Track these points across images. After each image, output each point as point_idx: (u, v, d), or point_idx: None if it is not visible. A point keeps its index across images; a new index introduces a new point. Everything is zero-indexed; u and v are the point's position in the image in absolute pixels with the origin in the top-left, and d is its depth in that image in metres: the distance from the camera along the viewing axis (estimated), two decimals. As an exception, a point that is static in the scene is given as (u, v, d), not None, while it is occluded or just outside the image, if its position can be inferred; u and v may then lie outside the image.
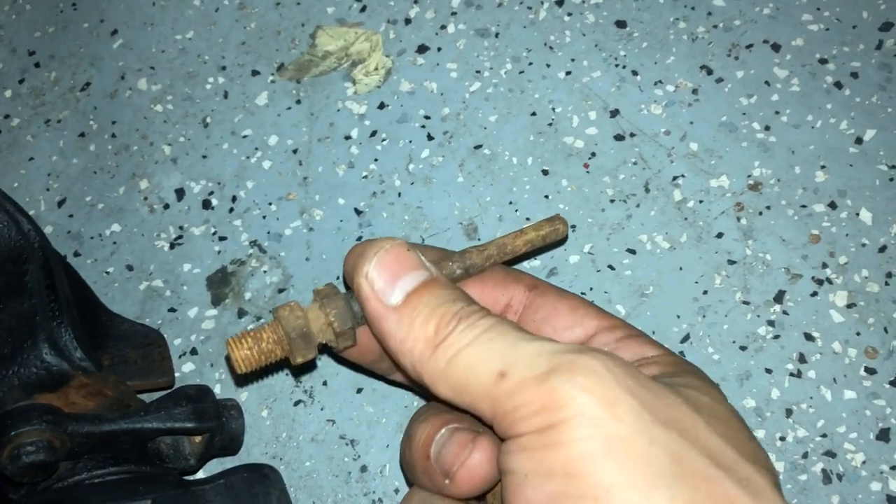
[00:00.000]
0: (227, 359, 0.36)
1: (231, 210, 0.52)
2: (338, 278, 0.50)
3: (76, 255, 0.52)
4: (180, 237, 0.52)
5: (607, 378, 0.26)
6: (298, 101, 0.55)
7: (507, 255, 0.37)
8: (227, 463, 0.45)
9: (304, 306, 0.34)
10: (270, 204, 0.52)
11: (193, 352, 0.48)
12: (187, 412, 0.38)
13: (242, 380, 0.47)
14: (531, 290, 0.37)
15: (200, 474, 0.44)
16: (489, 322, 0.29)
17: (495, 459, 0.30)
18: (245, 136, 0.54)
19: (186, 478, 0.41)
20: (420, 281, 0.31)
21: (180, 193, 0.53)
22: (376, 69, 0.55)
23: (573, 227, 0.49)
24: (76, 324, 0.40)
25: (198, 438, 0.39)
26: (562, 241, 0.40)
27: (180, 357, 0.48)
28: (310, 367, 0.47)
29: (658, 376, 0.31)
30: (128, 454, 0.37)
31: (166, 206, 0.53)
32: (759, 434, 0.44)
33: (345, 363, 0.46)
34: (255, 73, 0.56)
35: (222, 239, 0.51)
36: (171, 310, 0.50)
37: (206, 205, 0.52)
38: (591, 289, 0.47)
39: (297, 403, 0.46)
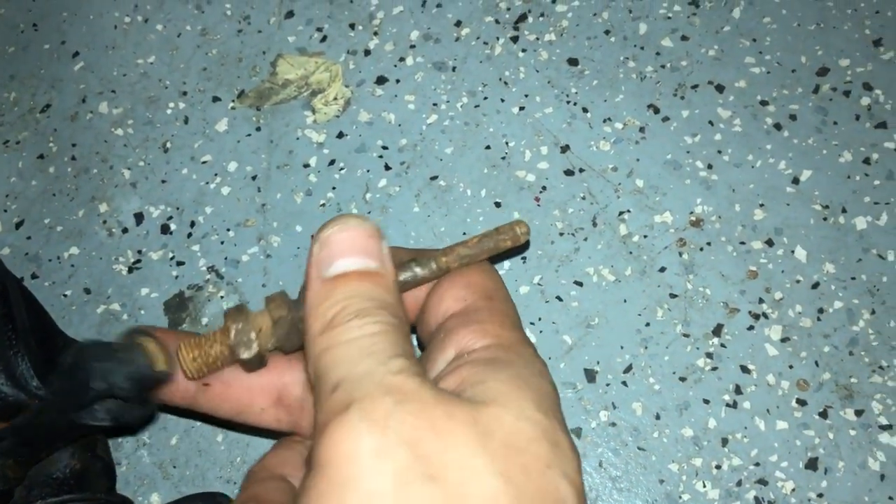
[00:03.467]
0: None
1: (189, 235, 0.53)
2: (294, 305, 0.51)
3: (34, 277, 0.53)
4: (139, 261, 0.53)
5: (391, 424, 0.26)
6: (258, 129, 0.56)
7: (471, 260, 0.36)
8: (184, 490, 0.46)
9: (253, 312, 0.34)
10: (228, 230, 0.53)
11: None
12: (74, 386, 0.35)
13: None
14: None
15: (159, 502, 0.45)
16: (377, 328, 0.29)
17: None
18: (204, 162, 0.55)
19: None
20: (356, 268, 0.31)
21: (139, 218, 0.54)
22: (336, 99, 0.56)
23: (524, 258, 0.51)
24: (33, 352, 0.40)
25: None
26: (523, 247, 0.39)
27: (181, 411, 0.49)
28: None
29: (465, 383, 0.30)
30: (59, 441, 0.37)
31: (125, 230, 0.54)
32: (696, 462, 0.46)
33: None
34: (215, 99, 0.57)
35: (180, 264, 0.52)
36: (128, 334, 0.50)
37: (165, 229, 0.53)
38: (539, 319, 0.49)
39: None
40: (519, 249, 0.39)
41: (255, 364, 0.34)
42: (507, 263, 0.51)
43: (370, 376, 0.28)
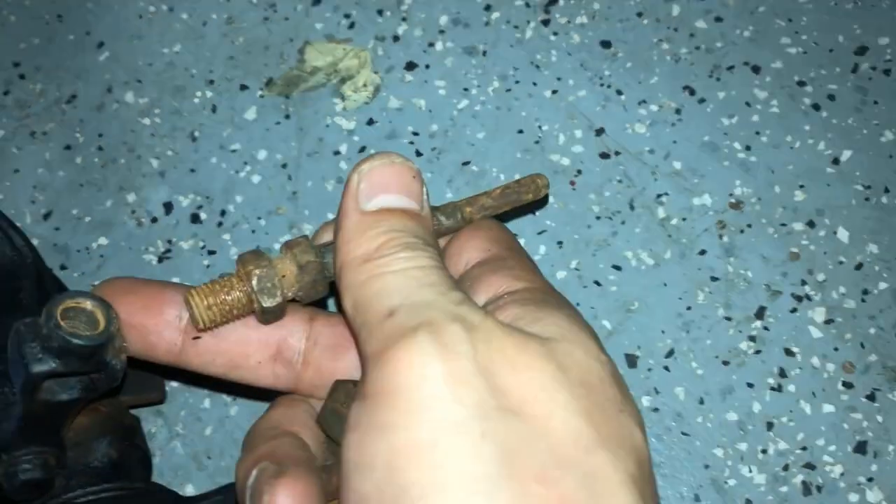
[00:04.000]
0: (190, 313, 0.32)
1: (220, 224, 0.52)
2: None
3: (62, 268, 0.52)
4: (168, 251, 0.52)
5: (464, 350, 0.25)
6: (287, 116, 0.55)
7: (493, 211, 0.36)
8: (220, 480, 0.45)
9: (273, 256, 0.33)
10: (259, 218, 0.52)
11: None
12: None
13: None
14: None
15: (193, 492, 0.44)
16: (429, 263, 0.28)
17: (306, 494, 0.28)
18: (234, 151, 0.54)
19: (183, 495, 0.41)
20: (401, 205, 0.30)
21: (168, 207, 0.53)
22: (365, 85, 0.55)
23: (560, 243, 0.50)
24: (70, 340, 0.40)
25: None
26: (543, 201, 0.38)
27: (167, 372, 0.48)
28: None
29: (517, 318, 0.28)
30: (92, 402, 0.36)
31: (154, 220, 0.53)
32: (741, 447, 0.45)
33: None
34: (243, 87, 0.56)
35: (211, 253, 0.52)
36: (160, 324, 0.50)
37: (195, 219, 0.53)
38: (577, 304, 0.48)
39: (287, 418, 0.47)
40: (539, 203, 0.38)
41: (276, 314, 0.33)
42: (542, 248, 0.50)
43: (433, 304, 0.26)
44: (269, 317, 0.32)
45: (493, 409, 0.24)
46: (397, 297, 0.27)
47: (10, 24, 0.61)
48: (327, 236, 0.34)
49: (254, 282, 0.32)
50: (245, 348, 0.34)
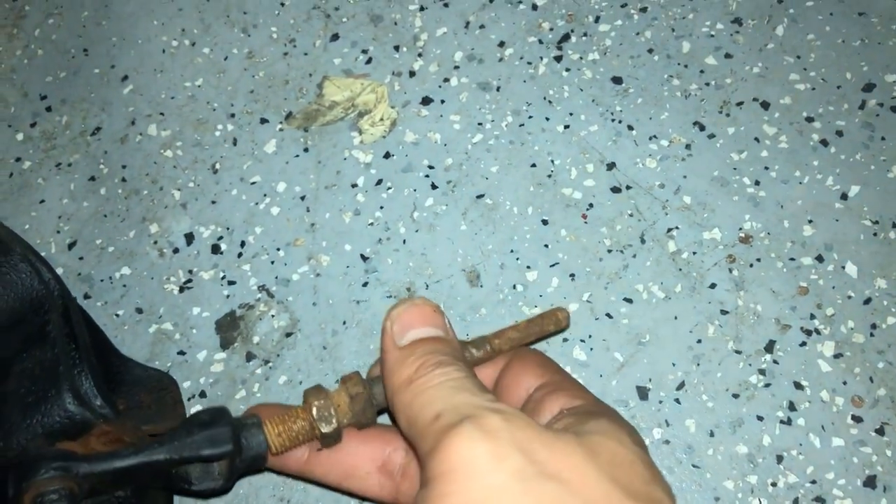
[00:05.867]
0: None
1: (240, 255, 0.54)
2: (344, 323, 0.51)
3: (86, 297, 0.54)
4: (189, 281, 0.53)
5: (501, 433, 0.29)
6: (306, 150, 0.56)
7: (519, 342, 0.41)
8: (254, 499, 0.46)
9: (331, 391, 0.39)
10: (279, 249, 0.53)
11: (202, 394, 0.50)
12: (200, 441, 0.38)
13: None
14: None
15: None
16: (460, 374, 0.34)
17: None
18: (254, 183, 0.56)
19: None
20: (428, 335, 0.36)
21: (190, 238, 0.55)
22: (382, 120, 0.57)
23: (572, 275, 0.51)
24: (96, 371, 0.41)
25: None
26: (563, 330, 0.44)
27: (189, 399, 0.50)
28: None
29: (569, 426, 0.34)
30: (154, 483, 0.38)
31: (176, 251, 0.54)
32: (751, 480, 0.45)
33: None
34: (263, 120, 0.58)
35: (231, 283, 0.53)
36: (181, 353, 0.51)
37: (216, 249, 0.54)
38: (589, 336, 0.49)
39: (305, 447, 0.48)
40: (560, 332, 0.44)
41: (334, 438, 0.39)
42: (555, 280, 0.51)
43: (470, 403, 0.31)
44: (328, 441, 0.39)
45: (531, 474, 0.28)
46: (439, 404, 0.32)
47: (38, 58, 0.62)
48: (378, 370, 0.40)
49: (314, 412, 0.38)
50: (356, 460, 0.40)
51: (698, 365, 0.48)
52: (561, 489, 0.28)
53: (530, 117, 0.56)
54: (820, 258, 0.50)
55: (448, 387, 0.33)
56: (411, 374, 0.34)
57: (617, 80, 0.56)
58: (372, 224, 0.54)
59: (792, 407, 0.47)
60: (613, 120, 0.55)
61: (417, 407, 0.33)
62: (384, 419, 0.41)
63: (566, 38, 0.58)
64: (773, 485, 0.45)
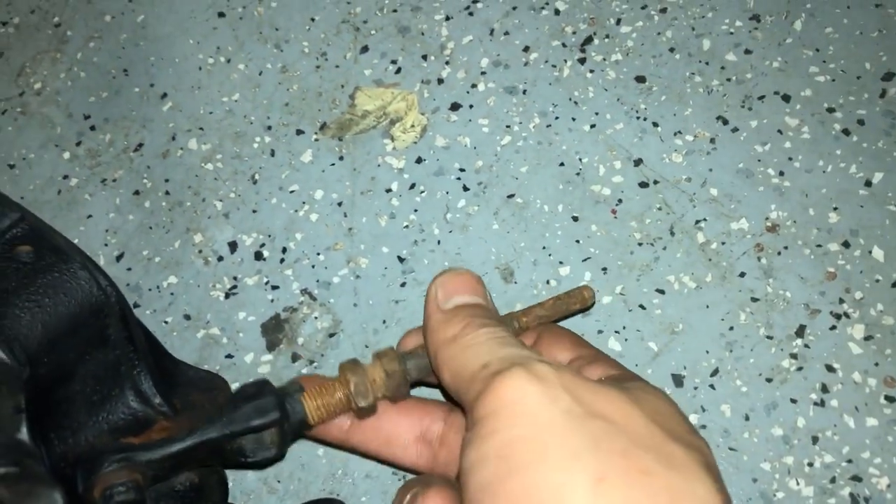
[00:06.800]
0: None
1: (282, 261, 0.56)
2: (384, 322, 0.53)
3: (135, 306, 0.56)
4: (234, 287, 0.55)
5: (550, 378, 0.31)
6: (341, 158, 0.58)
7: (546, 320, 0.43)
8: (303, 497, 0.48)
9: (366, 364, 0.40)
10: (319, 254, 0.55)
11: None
12: (248, 413, 0.39)
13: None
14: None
15: (269, 510, 0.47)
16: (504, 333, 0.35)
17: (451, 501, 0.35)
18: (292, 191, 0.58)
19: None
20: (470, 301, 0.38)
21: (233, 246, 0.57)
22: (413, 126, 0.59)
23: (604, 269, 0.52)
24: (153, 371, 0.43)
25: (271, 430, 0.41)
26: (589, 308, 0.45)
27: (238, 400, 0.51)
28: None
29: (609, 378, 0.36)
30: (211, 461, 0.40)
31: (220, 259, 0.56)
32: (788, 461, 0.47)
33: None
34: (299, 132, 0.60)
35: (275, 288, 0.55)
36: (228, 356, 0.53)
37: (258, 256, 0.56)
38: (623, 327, 0.51)
39: (352, 442, 0.49)
40: (586, 309, 0.45)
41: (369, 411, 0.40)
42: (588, 274, 0.52)
43: (518, 355, 0.32)
44: (363, 413, 0.40)
45: (579, 413, 0.30)
46: (486, 356, 0.33)
47: (81, 80, 0.65)
48: (411, 341, 0.42)
49: (351, 387, 0.39)
50: (397, 429, 0.41)
51: (731, 351, 0.49)
52: (609, 427, 0.29)
53: (557, 118, 0.58)
54: (846, 244, 0.51)
55: (494, 342, 0.34)
56: (457, 332, 0.35)
57: (640, 79, 0.58)
58: (407, 227, 0.56)
59: (825, 389, 0.48)
60: (638, 118, 0.57)
61: (463, 360, 0.34)
62: (418, 392, 0.43)
63: (589, 40, 0.60)
64: (810, 465, 0.46)
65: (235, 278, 0.56)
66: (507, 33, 0.61)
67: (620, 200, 0.54)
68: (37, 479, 0.31)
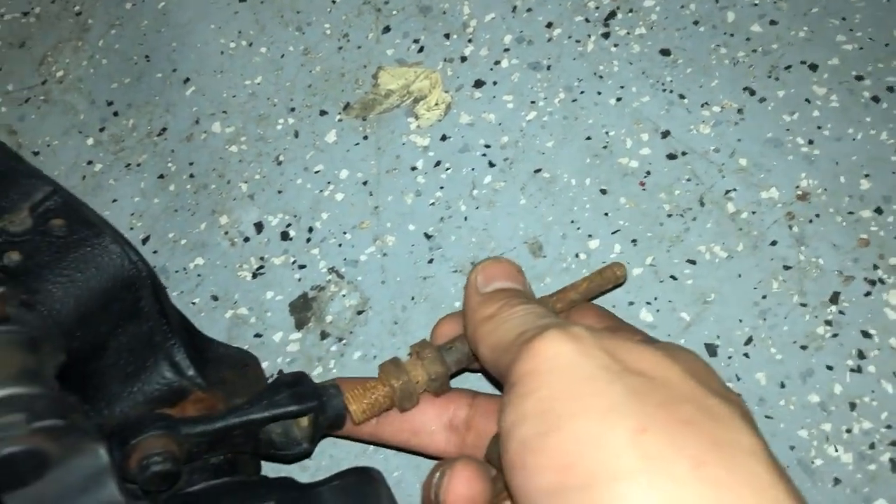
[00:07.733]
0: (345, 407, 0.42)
1: (308, 240, 0.55)
2: (412, 299, 0.53)
3: (163, 288, 0.56)
4: (262, 267, 0.55)
5: (587, 338, 0.31)
6: (365, 137, 0.58)
7: (578, 302, 0.43)
8: (336, 469, 0.47)
9: (405, 363, 0.41)
10: (345, 233, 0.55)
11: (280, 374, 0.51)
12: (288, 397, 0.40)
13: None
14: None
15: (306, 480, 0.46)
16: (541, 311, 0.36)
17: (474, 477, 0.35)
18: (317, 172, 0.58)
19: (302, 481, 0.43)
20: (507, 286, 0.39)
21: (259, 227, 0.57)
22: (437, 104, 0.58)
23: (634, 241, 0.52)
24: (187, 344, 0.43)
25: (304, 422, 0.41)
26: (622, 284, 0.46)
27: (269, 378, 0.51)
28: None
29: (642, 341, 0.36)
30: (243, 447, 0.40)
31: (246, 240, 0.56)
32: (825, 427, 0.46)
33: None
34: (322, 112, 0.60)
35: (301, 267, 0.55)
36: (257, 335, 0.53)
37: (285, 236, 0.56)
38: (655, 298, 0.50)
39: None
40: (618, 286, 0.46)
41: (412, 407, 0.42)
42: (617, 247, 0.52)
43: (555, 322, 0.33)
44: (406, 409, 0.42)
45: (617, 370, 0.30)
46: (523, 326, 0.34)
47: (103, 67, 0.65)
48: (445, 329, 0.43)
49: (398, 393, 0.41)
50: (424, 419, 0.42)
51: (765, 320, 0.49)
52: (646, 381, 0.30)
53: (582, 92, 0.57)
54: (879, 210, 0.51)
55: (531, 315, 0.35)
56: (494, 310, 0.36)
57: (665, 52, 0.58)
58: (433, 204, 0.55)
59: (861, 355, 0.47)
60: (664, 90, 0.56)
61: (502, 332, 0.35)
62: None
63: (612, 15, 0.59)
64: (848, 431, 0.46)
65: (262, 258, 0.55)
66: (529, 10, 0.61)
67: (649, 172, 0.54)
68: (83, 432, 0.31)
